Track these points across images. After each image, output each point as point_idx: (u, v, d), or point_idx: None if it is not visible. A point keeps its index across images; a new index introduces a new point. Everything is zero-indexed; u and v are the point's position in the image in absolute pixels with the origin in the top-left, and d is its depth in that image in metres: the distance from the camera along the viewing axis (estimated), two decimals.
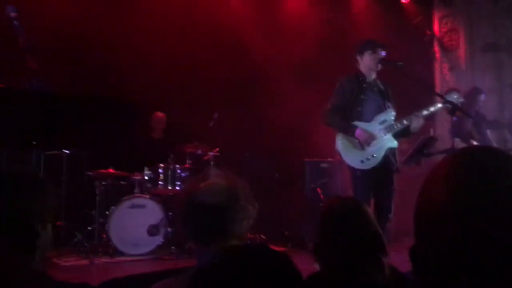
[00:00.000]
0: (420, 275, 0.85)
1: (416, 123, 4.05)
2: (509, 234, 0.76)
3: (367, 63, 4.19)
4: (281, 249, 5.31)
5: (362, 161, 4.05)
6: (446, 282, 0.79)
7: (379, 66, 4.17)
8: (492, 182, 0.81)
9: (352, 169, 4.08)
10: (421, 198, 0.88)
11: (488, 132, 5.58)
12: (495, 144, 5.52)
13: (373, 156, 4.06)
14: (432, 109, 4.13)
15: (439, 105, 4.14)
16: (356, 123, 4.10)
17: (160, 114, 6.53)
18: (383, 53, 4.16)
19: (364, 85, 4.19)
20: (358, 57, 4.24)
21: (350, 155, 4.08)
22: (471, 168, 0.84)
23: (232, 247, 0.97)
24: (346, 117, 4.13)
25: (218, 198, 1.66)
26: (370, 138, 4.06)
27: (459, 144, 4.81)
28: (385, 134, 4.11)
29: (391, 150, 4.15)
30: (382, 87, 4.28)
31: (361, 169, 4.04)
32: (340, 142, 4.13)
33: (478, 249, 0.77)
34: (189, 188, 1.78)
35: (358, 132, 4.05)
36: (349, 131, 4.09)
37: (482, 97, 5.32)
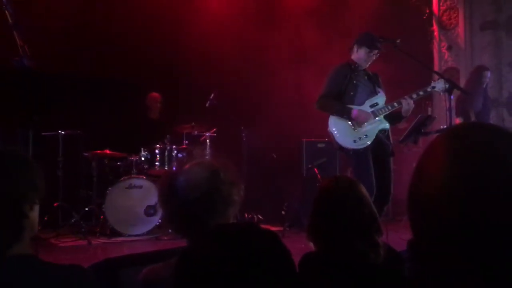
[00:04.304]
0: (416, 262, 0.81)
1: (406, 105, 4.10)
2: (508, 214, 0.72)
3: (361, 56, 4.27)
4: (278, 229, 5.32)
5: (354, 141, 4.11)
6: (445, 269, 0.75)
7: (368, 64, 4.28)
8: (494, 159, 0.77)
9: (345, 150, 4.16)
10: (415, 178, 0.83)
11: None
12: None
13: (365, 136, 4.12)
14: (421, 92, 4.17)
15: (428, 89, 4.15)
16: (349, 106, 4.16)
17: (155, 94, 6.47)
18: (376, 52, 4.20)
19: (356, 72, 4.26)
20: (355, 47, 4.30)
21: (343, 136, 4.14)
22: (470, 145, 0.79)
23: (218, 226, 0.94)
24: (340, 102, 4.20)
25: (197, 192, 1.49)
26: (368, 116, 4.13)
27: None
28: (376, 116, 4.15)
29: (384, 132, 4.20)
30: (371, 74, 4.37)
31: (354, 149, 4.09)
32: (333, 124, 4.18)
33: (478, 232, 0.73)
34: (169, 174, 1.64)
35: (355, 112, 4.11)
36: (344, 113, 4.15)
37: (488, 73, 5.31)
